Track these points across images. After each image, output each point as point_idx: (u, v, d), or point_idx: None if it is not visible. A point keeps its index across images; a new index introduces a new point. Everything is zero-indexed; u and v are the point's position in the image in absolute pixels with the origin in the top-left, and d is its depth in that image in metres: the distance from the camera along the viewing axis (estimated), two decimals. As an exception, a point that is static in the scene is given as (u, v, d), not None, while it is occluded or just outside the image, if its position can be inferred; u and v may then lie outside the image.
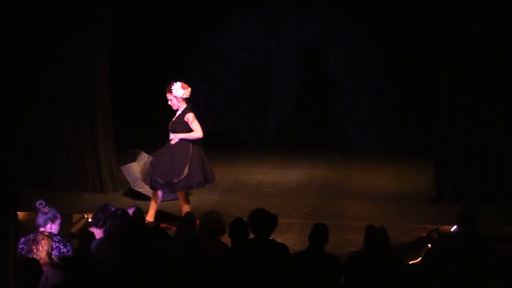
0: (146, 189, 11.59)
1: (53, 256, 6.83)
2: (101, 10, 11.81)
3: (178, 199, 11.58)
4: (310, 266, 6.51)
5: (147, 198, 11.49)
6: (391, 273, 6.43)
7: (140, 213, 8.02)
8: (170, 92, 9.96)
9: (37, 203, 7.53)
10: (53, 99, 12.14)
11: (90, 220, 8.96)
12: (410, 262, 8.03)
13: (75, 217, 10.14)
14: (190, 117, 9.99)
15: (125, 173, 11.84)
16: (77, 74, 12.01)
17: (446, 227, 8.96)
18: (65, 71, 12.04)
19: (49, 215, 7.40)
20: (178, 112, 10.14)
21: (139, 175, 11.68)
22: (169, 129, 10.25)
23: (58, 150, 12.23)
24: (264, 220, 6.85)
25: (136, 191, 11.66)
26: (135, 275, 6.22)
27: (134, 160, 11.90)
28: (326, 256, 6.63)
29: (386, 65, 15.49)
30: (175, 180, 10.03)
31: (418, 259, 8.18)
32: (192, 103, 10.38)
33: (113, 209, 7.77)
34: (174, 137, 10.08)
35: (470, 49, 11.01)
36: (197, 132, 9.97)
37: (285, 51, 15.99)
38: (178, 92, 9.88)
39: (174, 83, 9.97)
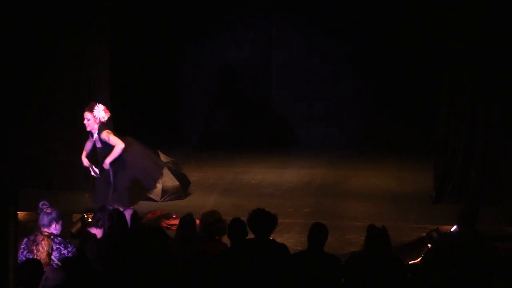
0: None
1: (53, 257, 6.83)
2: (101, 10, 11.80)
3: (178, 199, 11.61)
4: (310, 266, 6.50)
5: (147, 198, 11.49)
6: (391, 273, 6.43)
7: (134, 214, 8.02)
8: (91, 111, 9.43)
9: (41, 203, 7.51)
10: (53, 99, 12.13)
11: (90, 220, 8.95)
12: (410, 262, 8.03)
13: (75, 217, 10.13)
14: (105, 134, 9.49)
15: (125, 173, 11.84)
16: (77, 74, 12.01)
17: (446, 227, 8.96)
18: (65, 71, 12.03)
19: (53, 215, 7.39)
20: (96, 136, 9.58)
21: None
22: (99, 157, 9.72)
23: (58, 150, 12.23)
24: (264, 220, 6.85)
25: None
26: (135, 276, 6.22)
27: (134, 160, 11.90)
28: (326, 256, 6.62)
29: (386, 66, 15.49)
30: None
31: (418, 259, 8.18)
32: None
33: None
34: (105, 165, 9.53)
35: (471, 49, 11.01)
36: (118, 145, 9.48)
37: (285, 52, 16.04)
38: (100, 113, 9.38)
39: (98, 104, 9.51)
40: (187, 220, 7.33)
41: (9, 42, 11.84)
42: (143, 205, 10.76)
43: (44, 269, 6.12)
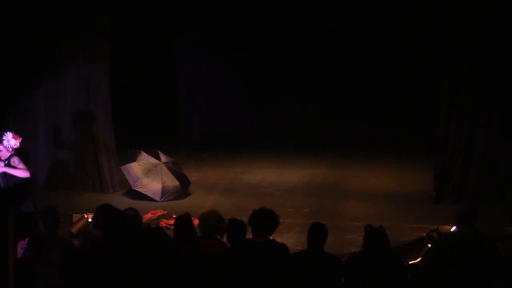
0: (146, 189, 11.61)
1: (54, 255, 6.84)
2: (101, 10, 11.80)
3: (178, 199, 11.62)
4: (310, 266, 6.50)
5: (147, 198, 11.51)
6: (391, 273, 6.43)
7: (134, 214, 8.00)
8: (1, 143, 9.12)
9: (52, 207, 7.42)
10: (53, 99, 12.14)
11: (90, 220, 8.95)
12: (410, 262, 8.03)
13: (75, 217, 10.16)
14: (15, 160, 9.05)
15: (125, 173, 11.86)
16: (77, 73, 12.01)
17: (446, 227, 8.96)
18: (65, 71, 12.04)
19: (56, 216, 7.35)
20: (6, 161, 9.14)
21: (139, 175, 11.71)
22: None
23: (58, 150, 12.23)
24: (264, 220, 6.84)
25: (136, 191, 11.67)
26: (135, 276, 6.22)
27: (134, 160, 11.91)
28: (326, 256, 6.62)
29: (386, 66, 15.50)
30: None
31: (418, 259, 8.18)
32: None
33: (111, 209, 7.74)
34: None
35: (471, 49, 11.02)
36: (24, 172, 8.97)
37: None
38: (10, 142, 9.07)
39: (5, 134, 9.16)
40: (183, 219, 7.29)
41: (9, 42, 11.84)
42: (143, 205, 10.77)
43: (44, 268, 6.13)
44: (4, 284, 4.09)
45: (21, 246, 6.88)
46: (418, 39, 14.68)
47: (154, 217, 10.49)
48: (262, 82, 16.26)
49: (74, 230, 9.69)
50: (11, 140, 9.12)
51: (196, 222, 7.42)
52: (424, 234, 8.95)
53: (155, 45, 15.75)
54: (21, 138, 9.27)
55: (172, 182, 11.73)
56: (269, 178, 13.24)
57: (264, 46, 15.92)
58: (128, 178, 11.79)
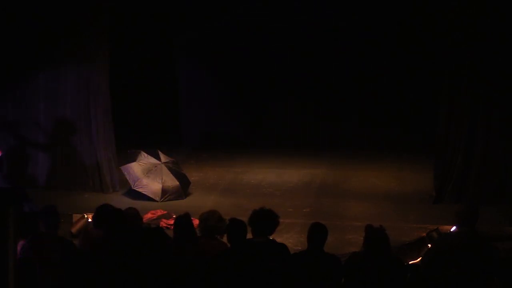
0: (146, 189, 11.61)
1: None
2: (101, 10, 11.80)
3: (178, 199, 11.62)
4: (310, 266, 6.50)
5: (147, 198, 11.51)
6: (391, 273, 6.43)
7: (135, 214, 8.01)
8: None
9: (51, 207, 7.44)
10: (53, 99, 12.13)
11: (90, 220, 8.95)
12: (410, 262, 8.03)
13: (75, 217, 10.15)
14: None
15: (125, 173, 11.86)
16: (77, 73, 12.00)
17: (446, 227, 8.96)
18: (65, 71, 12.03)
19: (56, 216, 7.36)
20: None
21: (139, 175, 11.70)
22: None
23: (58, 150, 12.23)
24: (264, 220, 6.84)
25: (136, 191, 11.67)
26: (135, 276, 6.21)
27: (134, 160, 11.91)
28: (326, 256, 6.63)
29: (386, 66, 15.49)
30: None
31: (418, 259, 8.18)
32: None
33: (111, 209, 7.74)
34: None
35: (471, 49, 11.01)
36: None
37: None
38: None
39: None
40: (183, 219, 7.29)
41: (9, 42, 11.84)
42: (143, 205, 10.77)
43: (44, 268, 6.13)
44: (4, 284, 4.09)
45: (21, 246, 6.88)
46: (418, 39, 14.67)
47: (154, 217, 10.50)
48: (262, 82, 16.25)
49: (74, 230, 9.69)
50: None
51: (196, 222, 7.43)
52: (424, 234, 8.95)
53: (155, 45, 15.74)
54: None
55: (172, 182, 11.74)
56: (269, 178, 13.24)
57: (264, 46, 15.90)
58: (128, 178, 11.79)
